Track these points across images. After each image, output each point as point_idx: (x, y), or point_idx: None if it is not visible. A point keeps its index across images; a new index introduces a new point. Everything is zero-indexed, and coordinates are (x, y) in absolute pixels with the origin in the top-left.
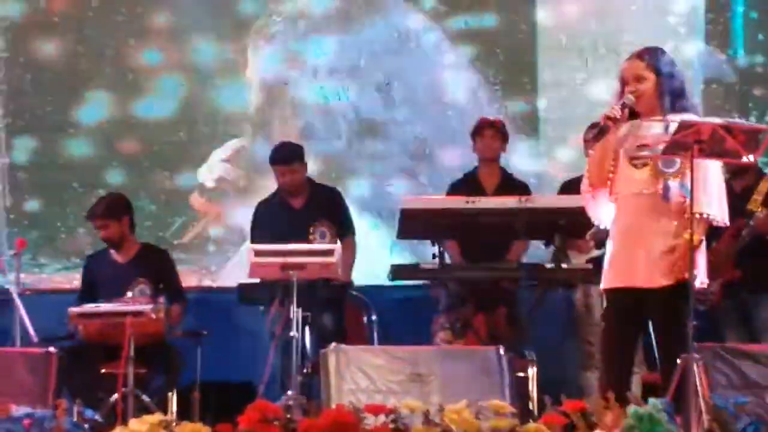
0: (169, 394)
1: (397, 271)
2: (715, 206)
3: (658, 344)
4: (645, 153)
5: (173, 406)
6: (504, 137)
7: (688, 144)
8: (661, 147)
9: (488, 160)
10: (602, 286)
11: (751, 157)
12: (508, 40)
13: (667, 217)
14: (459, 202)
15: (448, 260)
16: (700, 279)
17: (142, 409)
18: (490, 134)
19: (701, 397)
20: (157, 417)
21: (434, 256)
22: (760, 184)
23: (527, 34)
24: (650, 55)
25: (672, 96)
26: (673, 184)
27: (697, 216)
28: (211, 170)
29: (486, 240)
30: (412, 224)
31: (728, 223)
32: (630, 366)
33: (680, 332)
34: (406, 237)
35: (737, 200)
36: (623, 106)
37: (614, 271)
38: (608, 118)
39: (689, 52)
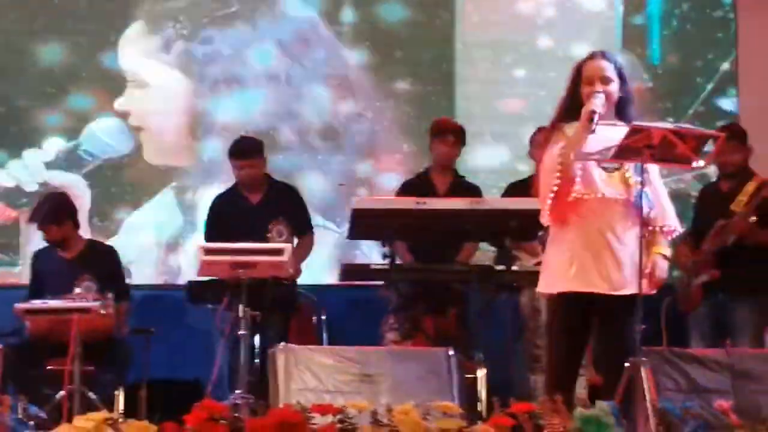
0: (116, 391)
1: (346, 272)
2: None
3: (609, 348)
4: (595, 157)
5: (120, 403)
6: (463, 142)
7: (639, 149)
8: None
9: (444, 165)
10: (555, 289)
11: (701, 163)
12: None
13: (635, 225)
14: (410, 203)
15: (398, 261)
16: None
17: (89, 407)
18: (451, 141)
19: (648, 400)
20: (103, 414)
21: (384, 257)
22: (747, 184)
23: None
24: (614, 59)
25: (629, 103)
26: (644, 192)
27: (666, 228)
28: (30, 172)
29: (436, 241)
30: (363, 224)
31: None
32: (578, 369)
33: (633, 338)
34: (356, 237)
35: (723, 200)
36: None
37: (574, 275)
38: (594, 112)
39: None
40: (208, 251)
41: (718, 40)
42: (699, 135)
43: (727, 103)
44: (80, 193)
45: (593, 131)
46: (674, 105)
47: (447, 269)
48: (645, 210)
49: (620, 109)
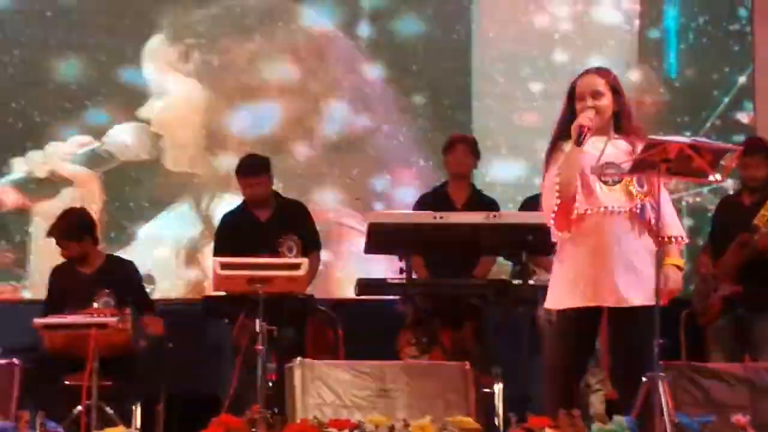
0: (134, 406)
1: (363, 286)
2: (679, 228)
3: (623, 362)
4: (611, 171)
5: (137, 418)
6: (476, 153)
7: (655, 163)
8: (626, 165)
9: (459, 176)
10: (564, 305)
11: (718, 177)
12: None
13: (641, 237)
14: (427, 217)
15: (415, 275)
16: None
17: (106, 422)
18: (462, 150)
19: (666, 415)
20: (121, 429)
21: (401, 271)
22: None
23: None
24: (608, 74)
25: (626, 117)
26: (647, 204)
27: (674, 238)
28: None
29: (453, 255)
30: (380, 239)
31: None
32: (579, 381)
33: (649, 351)
34: (373, 252)
35: (745, 214)
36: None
37: (582, 289)
38: (583, 126)
39: (622, 70)
40: (225, 266)
41: (735, 53)
42: (716, 149)
43: (743, 117)
44: (91, 188)
45: (581, 145)
46: (691, 118)
47: (463, 283)
48: (650, 220)
49: (617, 123)
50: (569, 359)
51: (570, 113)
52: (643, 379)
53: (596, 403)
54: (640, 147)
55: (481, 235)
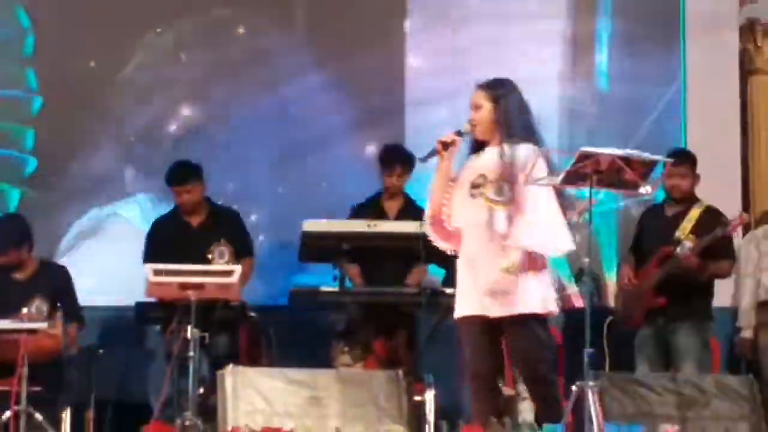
0: (63, 412)
1: (296, 297)
2: (537, 236)
3: (516, 365)
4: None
5: (67, 424)
6: (411, 171)
7: (586, 175)
8: (493, 174)
9: (394, 191)
10: (457, 313)
11: (649, 189)
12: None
13: (500, 247)
14: (360, 225)
15: (348, 283)
16: (544, 306)
17: (36, 428)
18: (398, 171)
19: (596, 424)
20: None
21: (335, 279)
22: (691, 211)
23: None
24: (490, 85)
25: (506, 124)
26: (501, 213)
27: (517, 246)
28: None
29: (386, 264)
30: (314, 247)
31: (547, 253)
32: (497, 387)
33: (536, 358)
34: (307, 260)
35: (667, 226)
36: (457, 133)
37: (463, 300)
38: (441, 142)
39: (553, 83)
40: (157, 272)
41: (666, 67)
42: (646, 161)
43: (674, 129)
44: None
45: (424, 161)
46: (623, 130)
47: (396, 292)
48: (504, 230)
49: (500, 131)
50: (476, 365)
51: None
52: (573, 387)
53: (525, 411)
54: (515, 151)
55: (414, 244)
